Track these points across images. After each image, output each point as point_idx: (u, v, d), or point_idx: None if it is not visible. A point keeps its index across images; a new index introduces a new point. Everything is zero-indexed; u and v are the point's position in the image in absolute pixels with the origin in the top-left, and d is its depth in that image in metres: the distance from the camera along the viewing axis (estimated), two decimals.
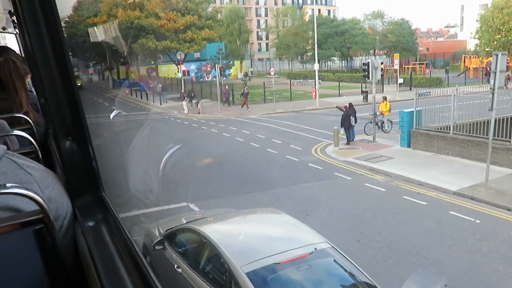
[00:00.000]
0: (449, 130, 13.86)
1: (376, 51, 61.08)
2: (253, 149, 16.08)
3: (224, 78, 39.63)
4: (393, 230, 8.41)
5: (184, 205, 9.78)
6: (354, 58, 64.49)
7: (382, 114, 17.95)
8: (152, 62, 44.47)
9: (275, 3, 79.09)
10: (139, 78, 43.59)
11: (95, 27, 31.66)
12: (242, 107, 27.32)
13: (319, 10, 74.33)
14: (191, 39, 38.64)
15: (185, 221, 6.42)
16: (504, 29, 38.67)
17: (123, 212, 8.39)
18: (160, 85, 34.56)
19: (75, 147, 1.18)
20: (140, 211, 9.26)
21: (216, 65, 32.32)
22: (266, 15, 79.38)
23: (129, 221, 8.41)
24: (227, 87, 30.28)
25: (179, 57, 37.16)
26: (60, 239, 1.01)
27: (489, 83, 10.47)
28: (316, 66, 30.81)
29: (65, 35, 1.21)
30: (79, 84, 37.06)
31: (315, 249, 4.87)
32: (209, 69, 44.53)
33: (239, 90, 30.28)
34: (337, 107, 18.70)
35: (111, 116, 20.66)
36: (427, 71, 46.17)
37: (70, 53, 1.26)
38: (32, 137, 1.58)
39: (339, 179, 12.06)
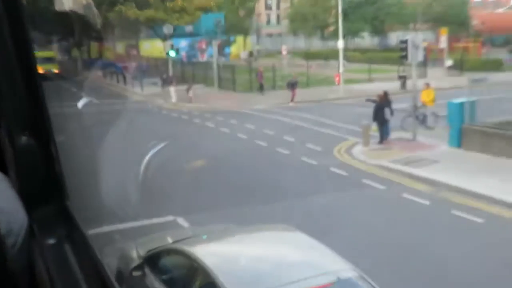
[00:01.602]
0: None
1: (417, 25, 60.80)
2: (258, 149, 16.11)
3: (223, 58, 39.69)
4: (443, 257, 8.29)
5: (170, 220, 9.81)
6: (389, 33, 64.24)
7: (425, 105, 17.89)
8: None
9: None
10: (115, 57, 43.77)
11: None
12: (292, 100, 25.40)
13: None
14: (181, 9, 38.69)
15: (171, 241, 6.44)
16: None
17: (92, 228, 8.41)
18: (134, 64, 34.30)
19: (34, 144, 1.19)
20: (114, 226, 9.29)
21: (213, 41, 32.38)
22: None
23: (100, 239, 8.44)
24: (261, 69, 29.61)
25: (166, 31, 37.24)
26: (13, 261, 1.02)
27: None
28: (340, 44, 30.71)
29: (24, 2, 1.21)
30: (56, 72, 36.62)
31: (338, 277, 4.87)
32: (203, 46, 44.53)
33: (242, 74, 30.22)
34: (367, 100, 18.50)
35: (80, 105, 20.77)
36: (483, 50, 45.89)
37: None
38: None
39: (369, 188, 12.04)
